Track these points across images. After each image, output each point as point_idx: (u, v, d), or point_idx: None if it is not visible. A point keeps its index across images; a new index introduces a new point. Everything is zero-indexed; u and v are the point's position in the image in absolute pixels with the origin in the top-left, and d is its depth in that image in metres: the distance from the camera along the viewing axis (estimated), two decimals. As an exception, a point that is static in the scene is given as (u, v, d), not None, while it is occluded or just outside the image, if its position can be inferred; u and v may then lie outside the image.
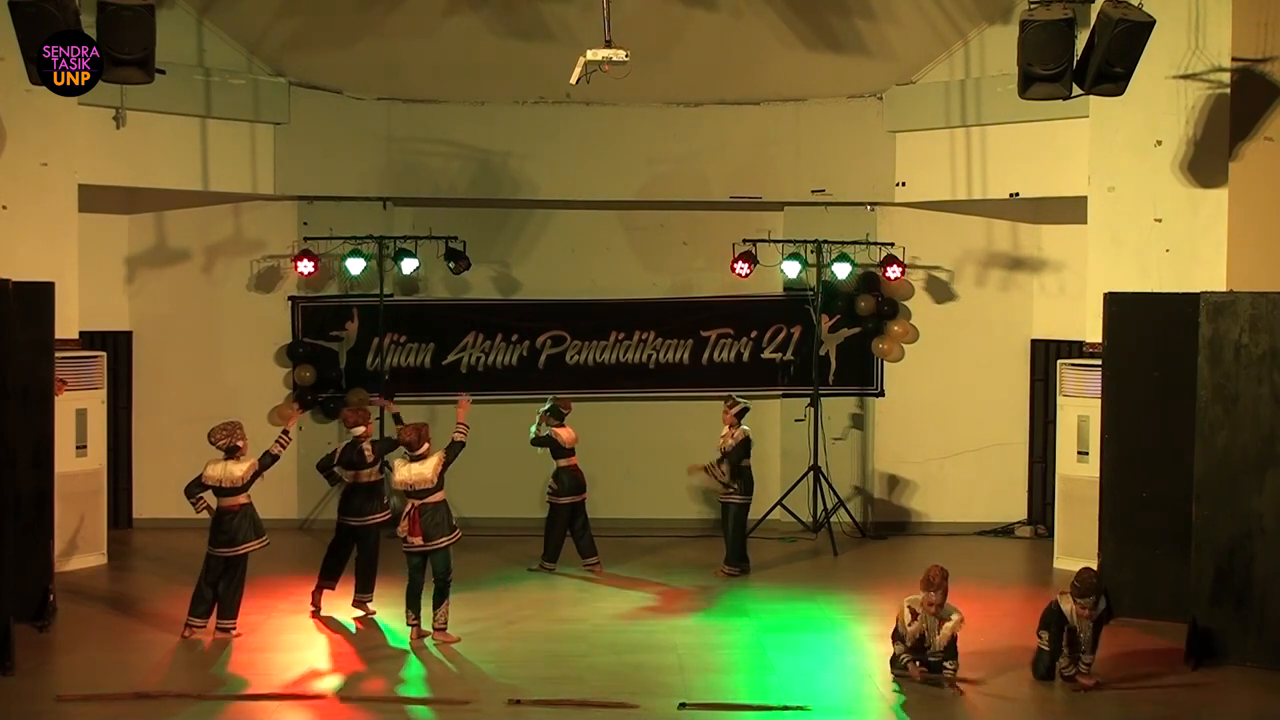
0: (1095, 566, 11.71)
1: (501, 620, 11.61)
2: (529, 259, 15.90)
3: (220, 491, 10.86)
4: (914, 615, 9.75)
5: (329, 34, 14.79)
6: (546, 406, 13.38)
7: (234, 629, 10.87)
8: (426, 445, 10.91)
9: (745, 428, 13.23)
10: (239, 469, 10.84)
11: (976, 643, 10.48)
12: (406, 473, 10.83)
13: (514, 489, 15.00)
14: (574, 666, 10.18)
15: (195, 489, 10.88)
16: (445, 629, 10.81)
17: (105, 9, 10.70)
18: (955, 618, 9.73)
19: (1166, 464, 11.14)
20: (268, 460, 10.91)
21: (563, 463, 13.31)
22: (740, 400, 13.40)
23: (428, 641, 10.77)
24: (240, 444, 10.93)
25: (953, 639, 9.73)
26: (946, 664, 9.75)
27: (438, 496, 10.80)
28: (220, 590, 10.88)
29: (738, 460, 13.18)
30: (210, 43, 14.71)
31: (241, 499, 10.86)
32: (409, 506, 10.82)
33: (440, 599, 10.80)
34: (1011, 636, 10.86)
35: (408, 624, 10.92)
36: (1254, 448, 10.41)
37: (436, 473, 10.76)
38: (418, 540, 10.76)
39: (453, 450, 10.89)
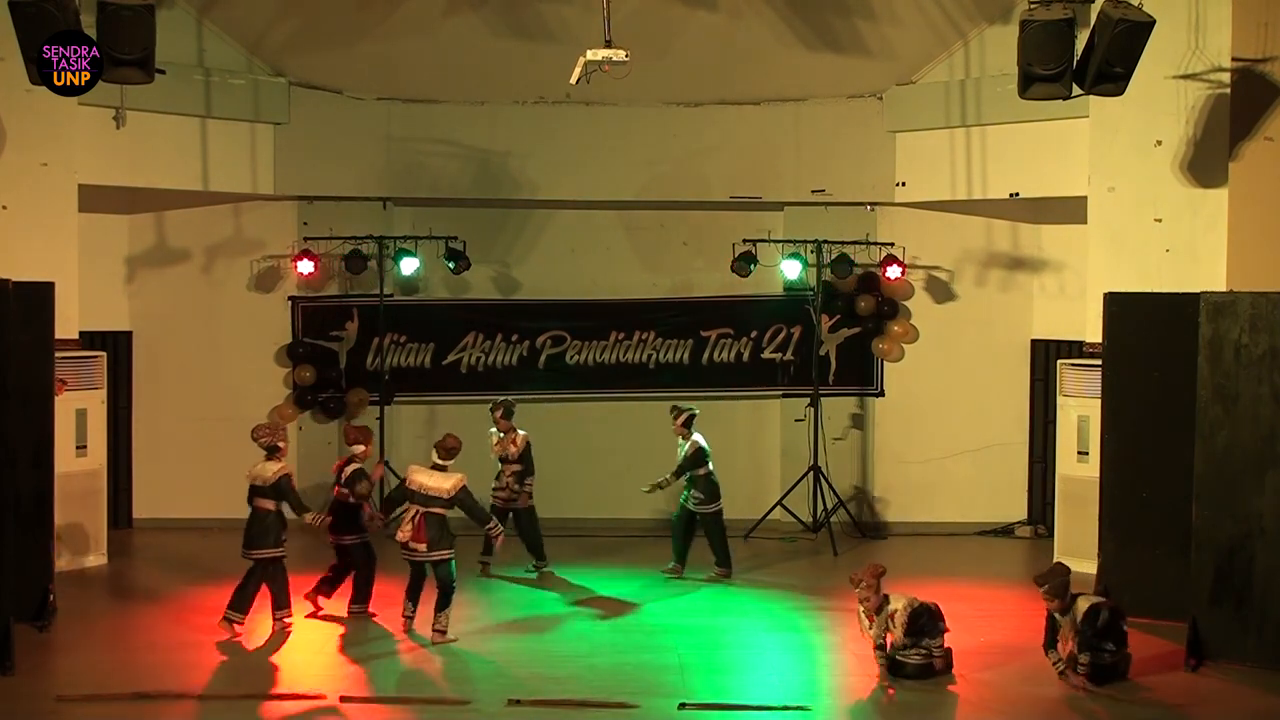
0: (1095, 567, 11.76)
1: (501, 620, 11.61)
2: (529, 259, 15.90)
3: (252, 490, 10.97)
4: (870, 619, 9.90)
5: (329, 34, 14.79)
6: (502, 411, 13.17)
7: (241, 622, 10.88)
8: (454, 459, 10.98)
9: (696, 436, 12.97)
10: (269, 469, 10.92)
11: (976, 643, 10.49)
12: (425, 478, 10.79)
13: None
14: (574, 666, 10.16)
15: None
16: (445, 633, 10.78)
17: (105, 9, 10.70)
18: (900, 604, 9.81)
19: (1166, 464, 11.13)
20: (295, 500, 10.95)
21: (517, 466, 13.26)
22: (685, 407, 13.13)
23: (425, 641, 10.75)
24: (281, 444, 11.08)
25: (913, 620, 9.75)
26: (929, 644, 9.79)
27: (443, 511, 10.75)
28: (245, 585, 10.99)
29: (694, 470, 12.95)
30: (210, 43, 14.71)
31: (269, 504, 10.90)
32: (414, 512, 10.74)
33: (443, 605, 10.77)
34: (1011, 636, 10.85)
35: (403, 615, 10.97)
36: (1254, 448, 10.39)
37: (455, 491, 10.71)
38: (421, 547, 10.71)
39: (473, 500, 10.82)
